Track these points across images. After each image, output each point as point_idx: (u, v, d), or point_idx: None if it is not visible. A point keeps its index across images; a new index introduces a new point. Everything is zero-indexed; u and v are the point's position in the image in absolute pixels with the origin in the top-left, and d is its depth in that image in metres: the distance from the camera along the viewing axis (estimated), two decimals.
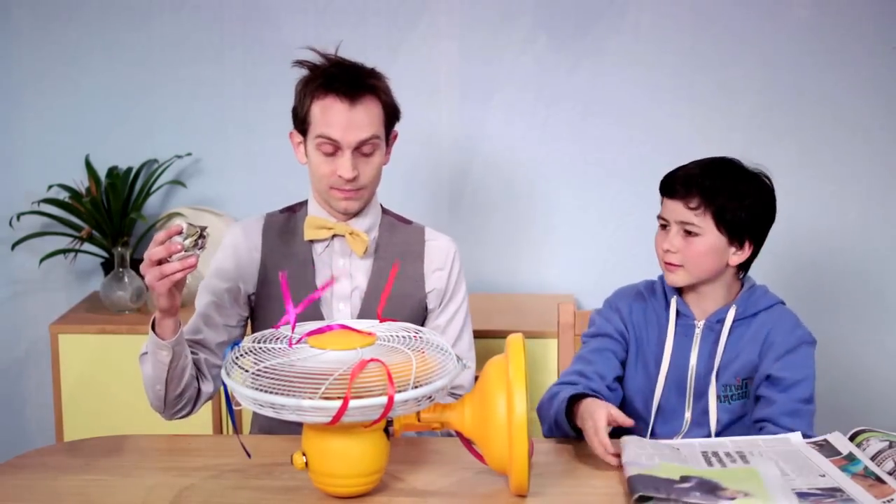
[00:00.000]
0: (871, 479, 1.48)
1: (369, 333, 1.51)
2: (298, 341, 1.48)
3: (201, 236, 1.63)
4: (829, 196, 2.90)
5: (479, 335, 2.15)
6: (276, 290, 1.88)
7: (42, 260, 2.84)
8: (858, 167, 2.88)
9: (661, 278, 1.91)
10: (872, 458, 1.53)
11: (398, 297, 1.90)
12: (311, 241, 1.96)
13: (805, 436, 1.66)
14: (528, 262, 2.97)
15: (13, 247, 2.86)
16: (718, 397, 1.84)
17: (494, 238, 2.96)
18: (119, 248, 2.72)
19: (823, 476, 1.50)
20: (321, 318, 1.91)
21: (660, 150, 2.84)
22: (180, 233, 1.62)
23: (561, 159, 2.91)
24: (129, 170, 2.90)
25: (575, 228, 2.94)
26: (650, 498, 1.42)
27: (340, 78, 1.86)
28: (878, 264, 2.92)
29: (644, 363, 1.90)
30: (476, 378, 1.58)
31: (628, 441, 1.62)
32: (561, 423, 1.72)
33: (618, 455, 1.59)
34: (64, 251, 2.86)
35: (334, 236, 1.95)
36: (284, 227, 1.98)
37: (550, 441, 1.75)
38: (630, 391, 1.91)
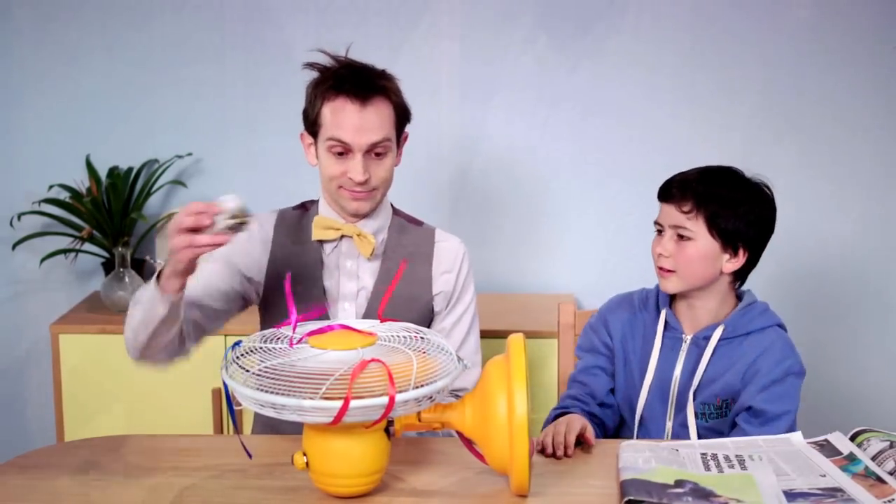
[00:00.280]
0: (872, 479, 1.48)
1: (370, 333, 1.51)
2: (299, 341, 1.48)
3: (242, 223, 1.60)
4: (829, 196, 2.89)
5: (479, 335, 2.14)
6: (283, 287, 1.87)
7: (43, 260, 2.84)
8: (858, 167, 2.88)
9: (658, 287, 1.91)
10: (873, 458, 1.53)
11: (405, 298, 1.89)
12: (321, 241, 1.95)
13: None
14: (528, 261, 2.97)
15: (14, 247, 2.86)
16: (696, 414, 1.84)
17: (494, 238, 2.95)
18: (120, 249, 2.73)
19: (824, 476, 1.50)
20: (326, 318, 1.90)
21: (660, 151, 2.85)
22: (220, 213, 1.59)
23: (561, 159, 2.91)
24: (130, 170, 2.91)
25: (575, 228, 2.94)
26: (640, 502, 1.42)
27: (351, 79, 1.83)
28: (879, 264, 2.92)
29: (629, 372, 1.92)
30: None
31: (625, 446, 1.62)
32: None
33: (568, 456, 1.65)
34: (64, 251, 2.86)
35: (342, 237, 1.94)
36: (296, 224, 1.97)
37: None
38: (616, 398, 1.94)
